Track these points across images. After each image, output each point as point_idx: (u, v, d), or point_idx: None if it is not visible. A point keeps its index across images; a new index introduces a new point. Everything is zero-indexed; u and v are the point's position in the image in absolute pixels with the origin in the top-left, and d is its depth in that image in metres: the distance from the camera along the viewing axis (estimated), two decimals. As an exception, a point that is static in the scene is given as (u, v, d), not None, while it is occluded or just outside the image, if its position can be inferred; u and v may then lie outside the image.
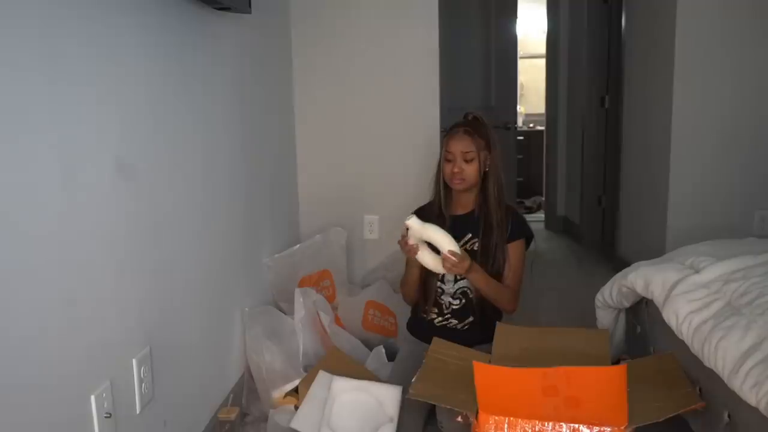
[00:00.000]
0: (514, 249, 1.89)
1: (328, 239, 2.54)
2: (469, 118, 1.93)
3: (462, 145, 1.84)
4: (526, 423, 1.37)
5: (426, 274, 1.90)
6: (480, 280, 1.82)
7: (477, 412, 1.39)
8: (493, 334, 1.74)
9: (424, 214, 1.95)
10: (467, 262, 1.75)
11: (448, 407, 1.46)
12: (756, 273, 1.61)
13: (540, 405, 1.38)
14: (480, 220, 1.89)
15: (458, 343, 1.74)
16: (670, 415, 1.35)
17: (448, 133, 1.91)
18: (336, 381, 1.72)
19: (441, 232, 1.75)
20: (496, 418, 1.38)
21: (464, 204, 1.93)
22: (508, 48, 3.83)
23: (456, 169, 1.85)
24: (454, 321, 1.93)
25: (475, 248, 1.88)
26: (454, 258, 1.72)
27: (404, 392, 1.65)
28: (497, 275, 1.88)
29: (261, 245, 2.25)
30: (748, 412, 1.28)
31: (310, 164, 2.74)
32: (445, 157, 1.88)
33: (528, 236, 1.94)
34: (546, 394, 1.38)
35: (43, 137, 1.02)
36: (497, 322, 1.80)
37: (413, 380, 1.53)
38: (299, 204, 2.77)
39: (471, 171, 1.85)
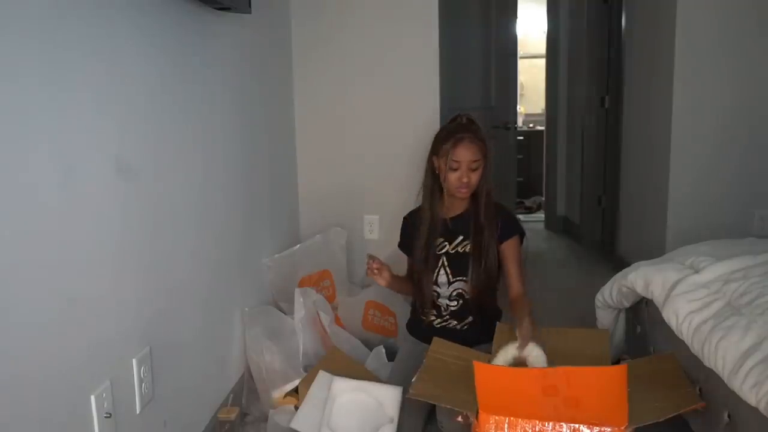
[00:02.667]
0: (511, 247, 1.87)
1: (328, 239, 2.54)
2: (463, 120, 1.86)
3: (471, 153, 1.79)
4: (526, 423, 1.37)
5: (418, 279, 1.90)
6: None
7: (477, 412, 1.39)
8: (493, 334, 1.74)
9: (416, 219, 1.94)
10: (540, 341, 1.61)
11: (448, 407, 1.46)
12: (756, 273, 1.61)
13: (540, 405, 1.38)
14: (470, 221, 1.88)
15: (458, 343, 1.74)
16: (670, 415, 1.35)
17: (450, 139, 1.80)
18: (336, 381, 1.72)
19: (540, 359, 1.57)
20: (497, 418, 1.38)
21: (455, 207, 1.91)
22: (508, 48, 3.83)
23: (465, 179, 1.80)
24: (454, 322, 1.92)
25: (468, 250, 1.87)
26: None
27: (404, 392, 1.64)
28: (490, 274, 1.86)
29: (261, 245, 2.25)
30: (748, 412, 1.28)
31: (310, 164, 2.74)
32: (451, 166, 1.80)
33: (520, 233, 1.91)
34: (546, 394, 1.38)
35: (42, 137, 1.02)
36: (497, 322, 1.81)
37: (413, 380, 1.53)
38: (299, 204, 2.77)
39: (476, 179, 1.82)
